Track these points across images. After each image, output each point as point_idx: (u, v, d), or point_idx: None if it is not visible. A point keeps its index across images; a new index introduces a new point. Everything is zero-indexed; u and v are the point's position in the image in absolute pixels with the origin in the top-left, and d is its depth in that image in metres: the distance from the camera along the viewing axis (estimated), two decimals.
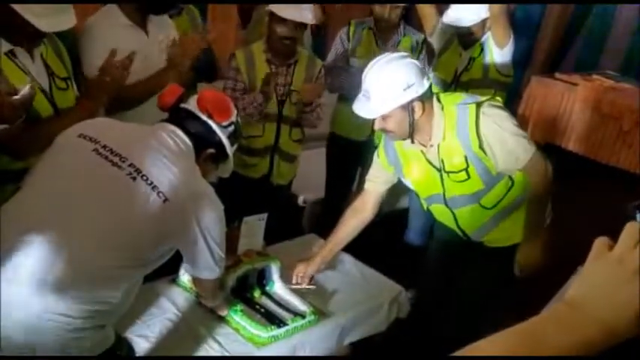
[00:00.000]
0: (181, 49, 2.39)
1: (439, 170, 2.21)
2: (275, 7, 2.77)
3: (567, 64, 6.79)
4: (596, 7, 6.70)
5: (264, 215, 2.33)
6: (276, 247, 2.57)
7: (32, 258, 1.50)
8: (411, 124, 2.10)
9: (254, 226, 2.32)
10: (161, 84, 2.14)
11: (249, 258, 2.29)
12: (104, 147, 1.64)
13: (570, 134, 5.94)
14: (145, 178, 1.60)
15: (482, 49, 3.26)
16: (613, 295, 0.66)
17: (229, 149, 1.86)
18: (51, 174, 1.66)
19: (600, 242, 0.72)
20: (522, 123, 5.77)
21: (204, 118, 1.79)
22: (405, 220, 3.73)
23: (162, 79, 2.28)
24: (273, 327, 2.13)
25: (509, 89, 3.43)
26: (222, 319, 2.15)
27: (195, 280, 1.97)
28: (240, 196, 2.87)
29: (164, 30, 2.61)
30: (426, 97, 2.10)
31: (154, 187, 1.60)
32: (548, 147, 5.74)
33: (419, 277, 2.75)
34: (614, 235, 0.72)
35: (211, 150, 1.81)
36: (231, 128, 1.85)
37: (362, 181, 3.45)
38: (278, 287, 2.37)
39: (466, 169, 2.16)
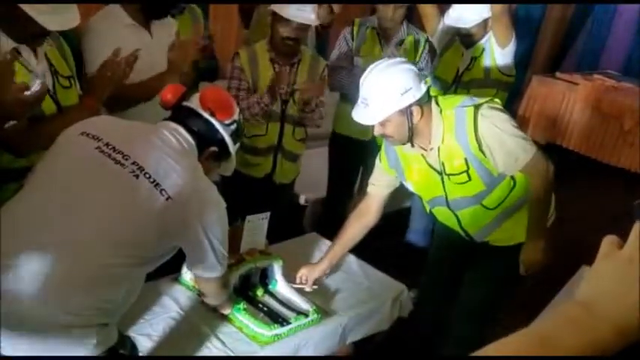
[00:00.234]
0: (181, 53, 2.39)
1: (440, 173, 2.22)
2: (278, 8, 2.77)
3: (568, 64, 6.79)
4: (596, 7, 6.70)
5: (267, 214, 2.34)
6: (278, 246, 2.57)
7: (35, 256, 1.50)
8: (410, 128, 2.11)
9: (257, 225, 2.33)
10: (162, 87, 2.15)
11: (251, 257, 2.29)
12: (107, 145, 1.65)
13: (571, 134, 5.95)
14: (147, 175, 1.60)
15: (483, 49, 3.27)
16: (624, 296, 0.65)
17: (232, 147, 1.87)
18: (53, 172, 1.66)
19: (609, 241, 0.70)
20: (523, 122, 5.79)
21: (206, 116, 1.79)
22: (406, 220, 3.73)
23: (162, 81, 2.28)
24: (276, 325, 2.13)
25: (510, 89, 3.44)
26: (225, 318, 2.15)
27: (198, 279, 1.97)
28: (243, 195, 2.88)
29: (168, 31, 2.62)
30: (424, 101, 2.11)
31: (156, 185, 1.60)
32: (549, 146, 5.75)
33: (422, 276, 2.76)
34: (616, 234, 0.71)
35: (214, 148, 1.81)
36: (234, 126, 1.85)
37: (364, 181, 3.48)
38: (281, 286, 2.38)
39: (467, 171, 2.17)
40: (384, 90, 2.05)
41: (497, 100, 2.23)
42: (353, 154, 3.48)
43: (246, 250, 2.30)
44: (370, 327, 2.45)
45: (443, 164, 2.19)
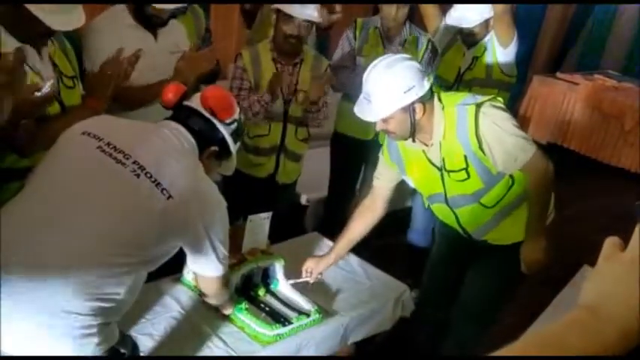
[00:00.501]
0: (191, 65, 2.39)
1: (440, 169, 2.22)
2: (281, 5, 2.79)
3: (569, 64, 6.80)
4: (597, 7, 6.71)
5: (269, 214, 2.34)
6: (279, 246, 2.57)
7: (37, 255, 1.51)
8: (412, 124, 2.11)
9: (258, 225, 2.33)
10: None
11: (253, 256, 2.29)
12: (108, 144, 1.65)
13: (572, 134, 5.96)
14: (148, 175, 1.60)
15: (485, 49, 3.27)
16: (629, 298, 0.64)
17: (232, 147, 1.87)
18: (55, 171, 1.67)
19: (611, 243, 0.70)
20: (524, 122, 5.80)
21: (207, 115, 1.79)
22: (408, 220, 3.73)
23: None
24: (277, 325, 2.13)
25: (512, 89, 3.44)
26: (226, 318, 2.16)
27: (199, 278, 1.97)
28: (245, 194, 2.89)
29: (174, 35, 2.62)
30: (427, 98, 2.11)
31: (157, 184, 1.60)
32: (549, 146, 5.75)
33: (423, 276, 2.76)
34: (616, 234, 0.71)
35: (214, 147, 1.82)
36: (234, 126, 1.85)
37: (365, 181, 3.49)
38: (282, 286, 2.38)
39: (466, 169, 2.17)
40: (388, 87, 2.05)
41: (499, 98, 2.23)
42: (354, 153, 3.48)
43: (248, 249, 2.31)
44: (372, 327, 2.45)
45: (443, 160, 2.19)
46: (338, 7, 3.63)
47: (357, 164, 3.55)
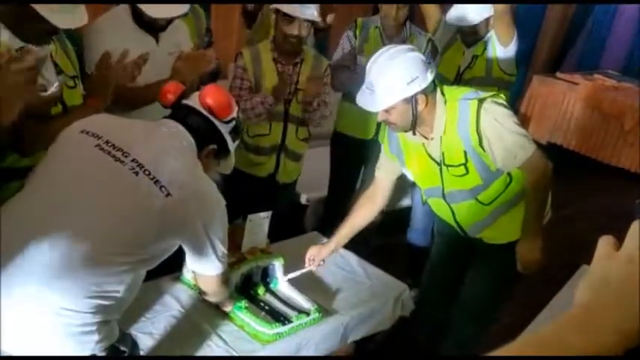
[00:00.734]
0: (190, 65, 2.38)
1: (439, 164, 2.23)
2: (281, 5, 2.79)
3: (569, 64, 6.80)
4: (597, 7, 6.71)
5: (269, 213, 2.34)
6: (279, 245, 2.58)
7: (37, 254, 1.51)
8: (414, 116, 2.11)
9: (258, 224, 2.33)
10: None
11: (253, 255, 2.30)
12: (107, 142, 1.65)
13: (571, 133, 5.96)
14: (147, 172, 1.61)
15: (485, 48, 3.28)
16: (626, 297, 0.64)
17: (231, 145, 1.87)
18: (54, 170, 1.67)
19: (606, 241, 0.69)
20: (524, 122, 5.78)
21: (205, 114, 1.79)
22: (407, 219, 3.74)
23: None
24: (277, 324, 2.14)
25: (511, 88, 3.45)
26: (226, 316, 2.16)
27: (198, 277, 1.97)
28: (245, 194, 2.89)
29: (176, 35, 2.61)
30: (430, 90, 2.11)
31: (156, 182, 1.60)
32: (549, 146, 5.76)
33: (423, 276, 2.76)
34: (617, 234, 0.70)
35: (213, 146, 1.82)
36: (233, 124, 1.86)
37: (365, 181, 3.49)
38: (282, 285, 2.39)
39: (465, 164, 2.17)
40: (391, 78, 2.05)
41: (501, 95, 2.23)
42: (354, 153, 3.48)
43: (248, 248, 2.31)
44: (372, 326, 2.46)
45: (443, 154, 2.19)
46: (329, 19, 3.62)
47: (357, 164, 3.56)
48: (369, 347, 2.64)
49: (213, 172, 1.96)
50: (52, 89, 1.75)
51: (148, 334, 2.04)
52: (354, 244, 2.59)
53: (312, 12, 2.79)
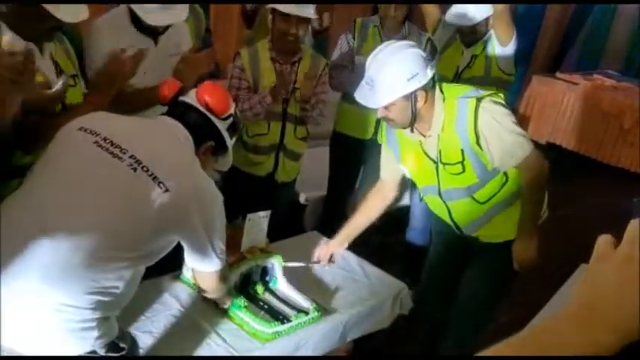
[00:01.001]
0: (190, 67, 2.39)
1: (435, 162, 2.23)
2: (277, 4, 2.79)
3: (568, 64, 6.80)
4: (596, 6, 6.71)
5: (268, 212, 2.35)
6: (278, 244, 2.58)
7: (36, 250, 1.52)
8: (413, 112, 2.11)
9: (257, 223, 2.33)
10: None
11: (252, 254, 2.30)
12: (104, 139, 1.66)
13: (571, 133, 5.96)
14: (145, 169, 1.61)
15: (484, 47, 3.28)
16: (624, 296, 0.64)
17: (228, 141, 1.88)
18: (52, 166, 1.68)
19: (604, 240, 0.69)
20: (523, 122, 5.79)
21: (203, 110, 1.80)
22: (406, 218, 3.74)
23: None
24: (276, 323, 2.14)
25: (510, 88, 3.45)
26: (226, 315, 2.17)
27: (197, 273, 1.97)
28: (244, 193, 2.90)
29: (176, 35, 2.61)
30: (429, 87, 2.11)
31: (154, 178, 1.60)
32: (548, 146, 5.76)
33: (421, 275, 2.77)
34: (616, 234, 0.71)
35: (211, 142, 1.82)
36: (230, 120, 1.86)
37: (364, 180, 3.49)
38: (281, 284, 2.39)
39: (462, 162, 2.17)
40: (391, 74, 2.04)
41: (500, 94, 2.23)
42: (354, 153, 3.49)
43: (247, 248, 2.31)
44: (370, 325, 2.46)
45: (440, 152, 2.19)
46: (326, 21, 3.62)
47: (356, 163, 3.56)
48: (368, 346, 2.64)
49: (212, 169, 1.96)
50: (57, 87, 1.76)
51: (147, 332, 2.04)
52: (353, 244, 2.59)
53: (308, 10, 2.79)
